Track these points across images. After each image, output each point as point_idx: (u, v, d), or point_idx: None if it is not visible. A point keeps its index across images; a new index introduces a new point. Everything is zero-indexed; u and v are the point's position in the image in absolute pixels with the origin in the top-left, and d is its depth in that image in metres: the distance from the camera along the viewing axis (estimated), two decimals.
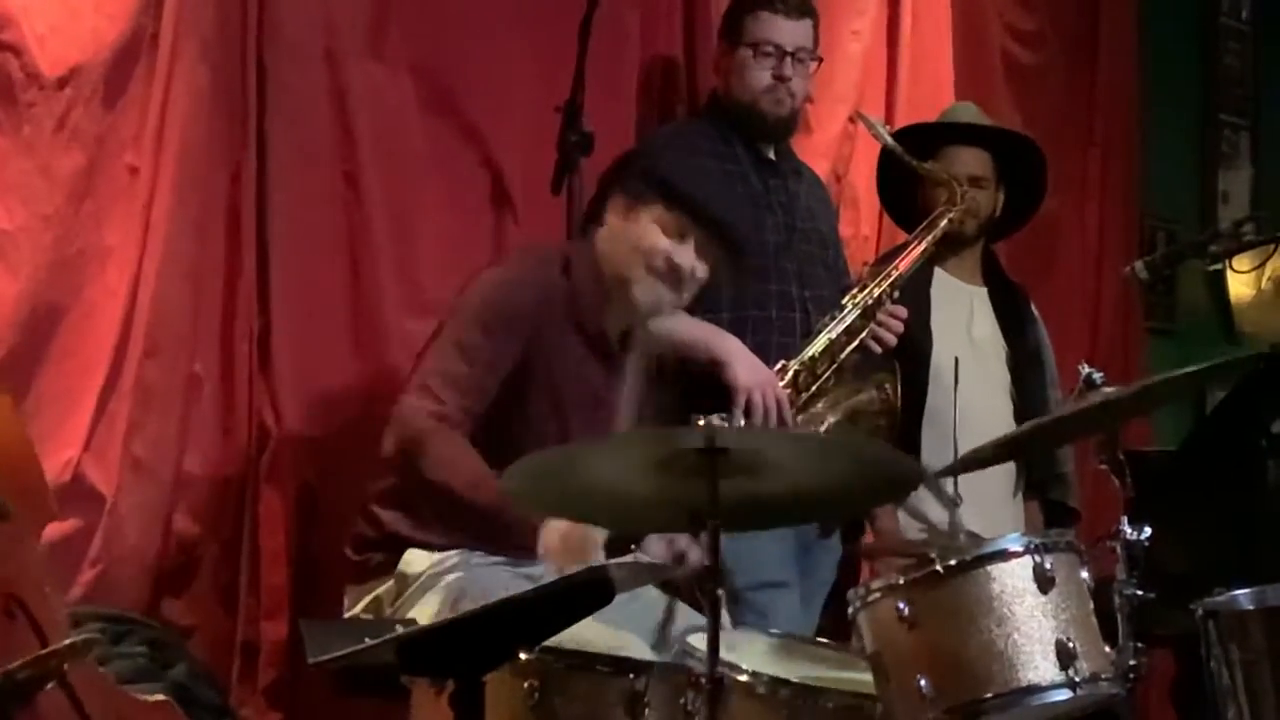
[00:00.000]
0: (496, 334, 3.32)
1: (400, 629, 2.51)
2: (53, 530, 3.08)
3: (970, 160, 4.32)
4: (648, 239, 3.37)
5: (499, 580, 3.18)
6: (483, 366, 3.30)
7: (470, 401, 3.28)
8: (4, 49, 3.36)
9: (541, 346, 3.36)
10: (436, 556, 3.30)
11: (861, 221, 4.87)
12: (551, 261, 3.45)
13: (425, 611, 3.21)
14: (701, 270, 3.42)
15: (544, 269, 3.43)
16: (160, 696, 2.92)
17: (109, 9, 3.50)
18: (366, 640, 2.43)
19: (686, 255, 3.38)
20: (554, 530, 3.12)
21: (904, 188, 4.39)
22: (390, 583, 3.32)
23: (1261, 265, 4.59)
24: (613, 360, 3.48)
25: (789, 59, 4.03)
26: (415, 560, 3.30)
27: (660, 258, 3.36)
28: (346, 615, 3.39)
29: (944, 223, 4.12)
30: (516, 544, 3.20)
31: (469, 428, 3.28)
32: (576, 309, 3.40)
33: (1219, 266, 4.51)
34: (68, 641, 2.58)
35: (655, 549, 3.26)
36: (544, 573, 3.05)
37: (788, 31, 4.04)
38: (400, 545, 3.32)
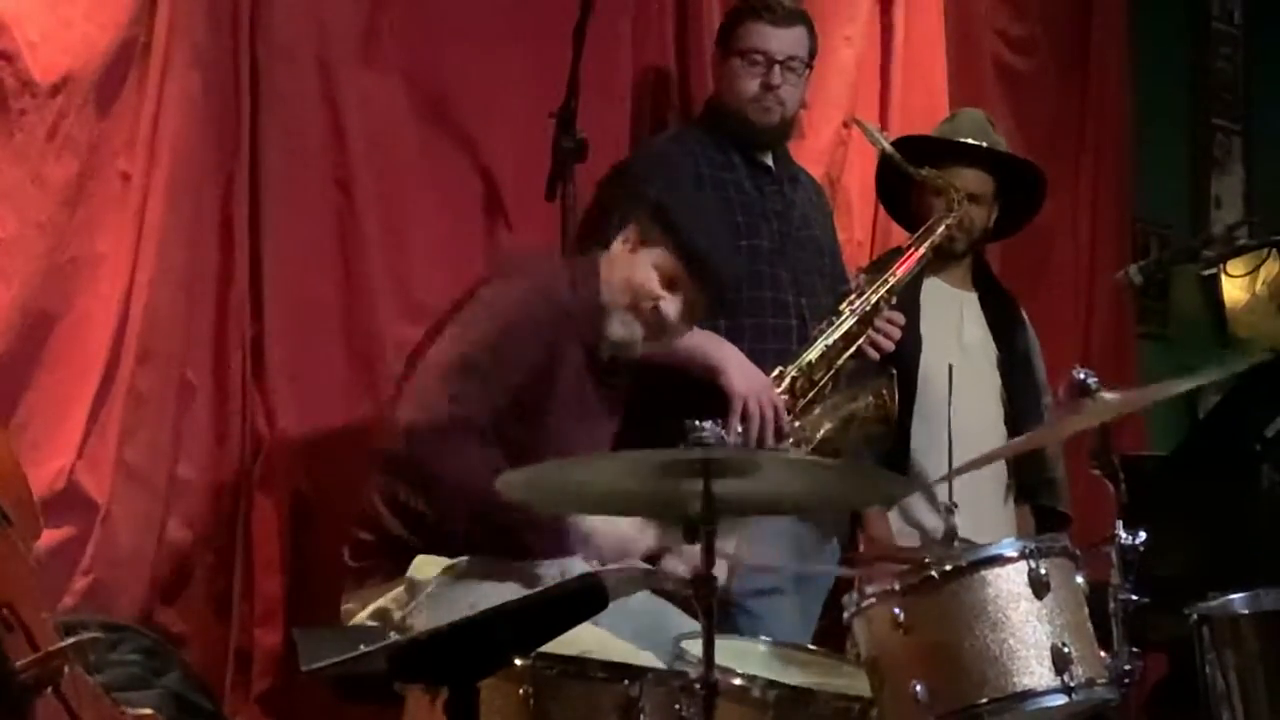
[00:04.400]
0: (510, 350, 3.32)
1: (394, 636, 2.50)
2: (45, 537, 3.07)
3: (970, 178, 4.28)
4: (644, 279, 3.40)
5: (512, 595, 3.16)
6: (487, 382, 3.28)
7: (473, 411, 3.26)
8: None
9: (557, 358, 3.38)
10: (448, 562, 3.28)
11: (855, 226, 4.86)
12: (560, 277, 3.48)
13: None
14: (682, 326, 3.47)
15: (557, 284, 3.46)
16: (147, 710, 2.91)
17: (101, 16, 3.48)
18: (360, 648, 2.43)
19: (673, 307, 3.41)
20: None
21: (900, 191, 4.39)
22: (398, 590, 3.28)
23: (1255, 270, 4.61)
24: (600, 373, 3.48)
25: (778, 67, 4.02)
26: (426, 566, 3.27)
27: (649, 301, 3.40)
28: (349, 624, 3.37)
29: (941, 229, 4.12)
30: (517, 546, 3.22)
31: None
32: (582, 324, 3.42)
33: (1212, 271, 4.51)
34: (72, 640, 2.57)
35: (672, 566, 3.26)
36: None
37: (776, 40, 4.04)
38: (404, 549, 3.30)
